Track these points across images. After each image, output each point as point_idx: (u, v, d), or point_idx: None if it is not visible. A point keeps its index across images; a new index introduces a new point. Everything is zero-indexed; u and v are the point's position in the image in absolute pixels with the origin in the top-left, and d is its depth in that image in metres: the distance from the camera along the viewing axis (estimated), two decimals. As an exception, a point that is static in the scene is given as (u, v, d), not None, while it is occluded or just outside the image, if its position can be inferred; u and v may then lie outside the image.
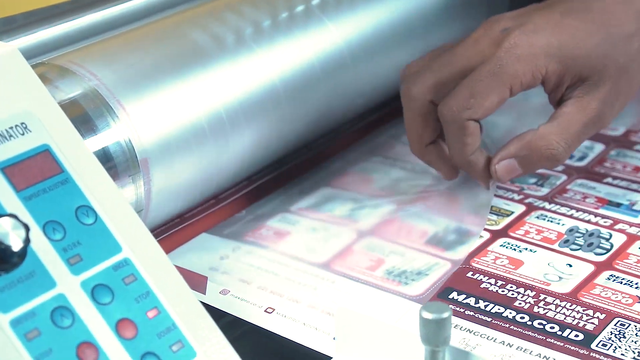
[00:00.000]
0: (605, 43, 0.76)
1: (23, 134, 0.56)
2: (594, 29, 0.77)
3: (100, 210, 0.56)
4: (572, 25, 0.76)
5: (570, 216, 0.78)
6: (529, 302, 0.68)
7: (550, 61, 0.75)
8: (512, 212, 0.79)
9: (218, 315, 0.61)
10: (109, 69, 0.70)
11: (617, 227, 0.77)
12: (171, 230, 0.77)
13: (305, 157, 0.88)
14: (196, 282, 0.71)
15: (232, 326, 0.65)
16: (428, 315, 0.53)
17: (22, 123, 0.56)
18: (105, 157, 0.67)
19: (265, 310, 0.68)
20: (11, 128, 0.56)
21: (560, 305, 0.67)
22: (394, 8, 0.89)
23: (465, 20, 0.97)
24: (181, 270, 0.57)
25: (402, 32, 0.90)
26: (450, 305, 0.62)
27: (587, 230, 0.76)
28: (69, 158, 0.57)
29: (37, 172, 0.55)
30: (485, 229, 0.77)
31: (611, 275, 0.71)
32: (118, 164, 0.67)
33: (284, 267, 0.73)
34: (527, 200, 0.81)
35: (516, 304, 0.68)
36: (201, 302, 0.57)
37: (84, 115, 0.67)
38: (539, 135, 0.76)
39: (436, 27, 0.94)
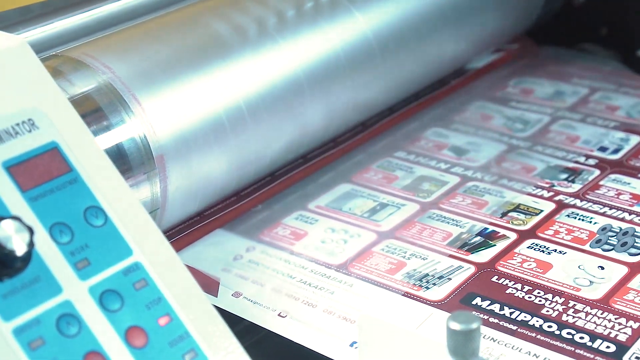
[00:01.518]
0: None
1: (30, 131, 0.54)
2: None
3: (110, 211, 0.54)
4: None
5: (603, 214, 0.76)
6: (558, 310, 0.65)
7: None
8: (541, 211, 0.76)
9: (233, 321, 0.59)
10: (124, 62, 0.68)
11: (653, 225, 0.74)
12: (189, 230, 0.75)
13: (329, 154, 0.86)
14: (208, 284, 0.69)
15: (248, 332, 0.64)
16: (456, 326, 0.51)
17: (29, 119, 0.54)
18: (119, 154, 0.65)
19: (278, 315, 0.66)
20: (17, 125, 0.54)
21: (590, 313, 0.65)
22: (424, -4, 0.87)
23: (497, 8, 0.95)
24: (193, 271, 0.55)
25: (433, 21, 0.88)
26: (474, 312, 0.60)
27: (620, 229, 0.74)
28: (78, 156, 0.55)
29: (44, 171, 0.53)
30: (512, 230, 0.74)
31: (646, 280, 0.68)
32: (132, 161, 0.66)
33: (299, 269, 0.71)
34: (557, 198, 0.78)
35: (544, 311, 0.65)
36: (213, 305, 0.55)
37: (97, 111, 0.65)
38: None
39: (468, 16, 0.92)
